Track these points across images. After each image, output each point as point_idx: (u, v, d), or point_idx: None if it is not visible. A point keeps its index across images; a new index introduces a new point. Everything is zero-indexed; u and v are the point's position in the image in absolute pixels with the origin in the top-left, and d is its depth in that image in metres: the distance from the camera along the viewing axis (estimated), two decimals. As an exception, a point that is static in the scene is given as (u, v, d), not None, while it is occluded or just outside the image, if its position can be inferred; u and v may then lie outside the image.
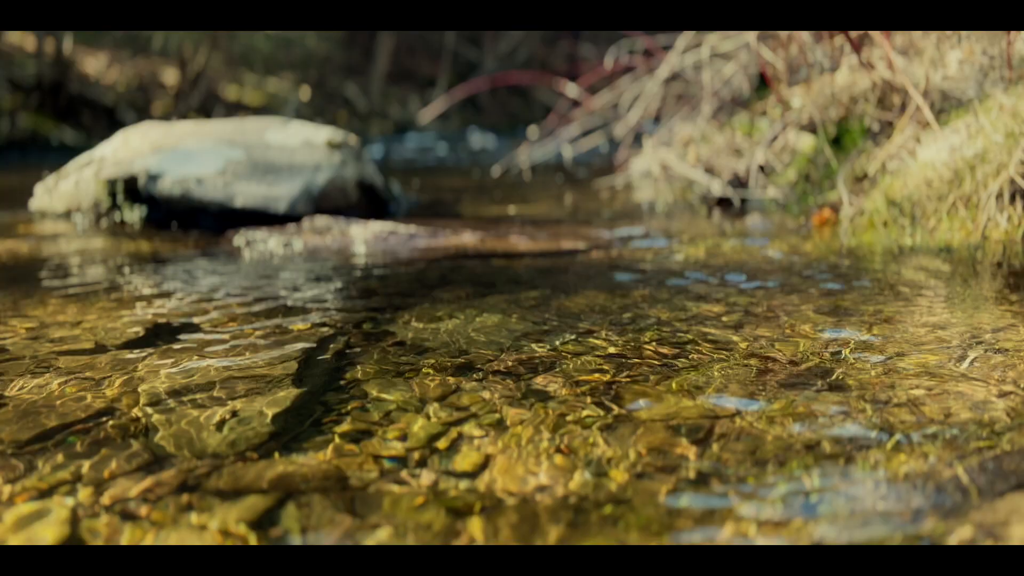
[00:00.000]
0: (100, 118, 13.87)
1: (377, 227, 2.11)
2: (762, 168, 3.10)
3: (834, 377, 1.07)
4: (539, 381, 1.08)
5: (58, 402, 1.01)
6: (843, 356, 1.16)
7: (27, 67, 13.11)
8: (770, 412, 0.95)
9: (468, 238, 2.13)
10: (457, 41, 22.92)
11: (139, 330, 1.33)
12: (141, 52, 15.43)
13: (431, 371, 1.12)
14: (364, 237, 2.08)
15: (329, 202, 2.47)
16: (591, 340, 1.26)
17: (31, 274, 1.76)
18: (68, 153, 12.22)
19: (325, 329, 1.34)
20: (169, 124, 2.71)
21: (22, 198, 3.26)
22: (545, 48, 26.45)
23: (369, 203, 2.71)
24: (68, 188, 2.56)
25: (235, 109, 15.96)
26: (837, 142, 2.90)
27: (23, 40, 14.18)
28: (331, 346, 1.25)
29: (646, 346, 1.22)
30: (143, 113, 14.57)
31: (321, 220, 2.20)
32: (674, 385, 1.06)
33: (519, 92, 24.00)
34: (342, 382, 1.09)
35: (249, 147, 2.46)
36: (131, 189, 2.41)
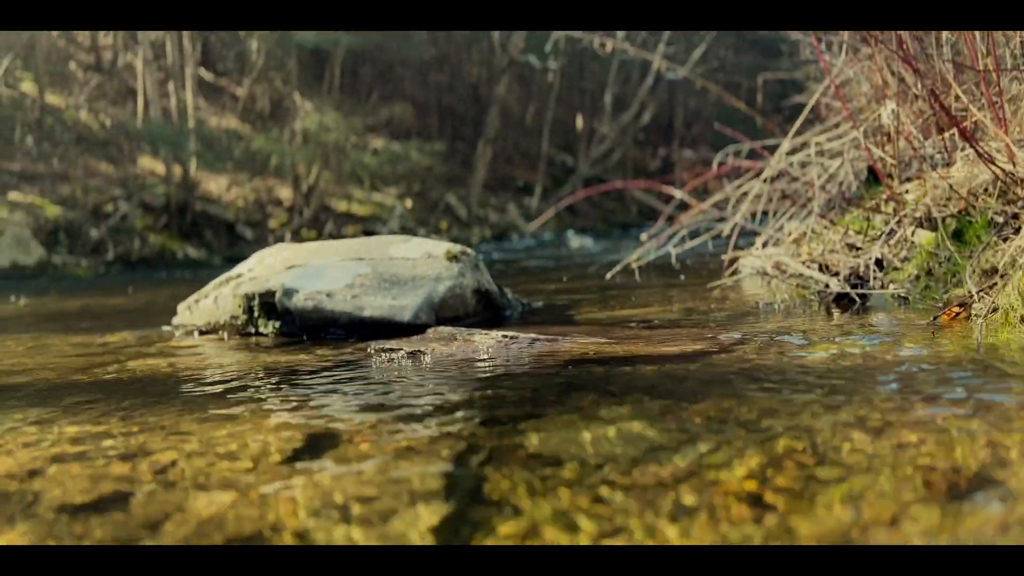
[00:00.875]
0: (221, 235, 14.82)
1: (499, 335, 2.17)
2: (879, 264, 3.04)
3: (1006, 487, 1.03)
4: (686, 493, 1.07)
5: (230, 514, 1.07)
6: (1010, 462, 1.11)
7: (157, 190, 14.23)
8: (929, 525, 0.92)
9: (587, 343, 2.16)
10: (551, 148, 23.60)
11: (287, 443, 1.40)
12: (258, 173, 16.55)
13: (572, 483, 1.14)
14: (487, 345, 2.14)
15: (449, 310, 2.56)
16: (730, 449, 1.25)
17: (182, 387, 1.88)
18: (192, 268, 13.00)
19: (461, 439, 1.38)
20: (299, 244, 2.90)
21: (162, 314, 3.51)
22: (639, 150, 26.84)
23: (486, 310, 2.78)
24: (208, 305, 2.75)
25: (344, 220, 16.80)
26: (958, 236, 2.82)
27: (153, 165, 15.46)
28: (470, 457, 1.29)
29: (788, 456, 1.20)
30: (260, 228, 15.50)
31: (445, 330, 2.28)
32: (826, 498, 1.03)
33: (614, 193, 24.30)
34: (486, 495, 1.12)
35: (374, 262, 2.60)
36: (266, 304, 2.56)
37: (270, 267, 2.68)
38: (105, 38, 17.63)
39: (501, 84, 20.43)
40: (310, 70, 19.23)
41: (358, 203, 17.75)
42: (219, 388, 1.86)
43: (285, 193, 16.44)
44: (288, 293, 2.49)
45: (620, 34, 20.24)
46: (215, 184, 15.89)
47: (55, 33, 17.16)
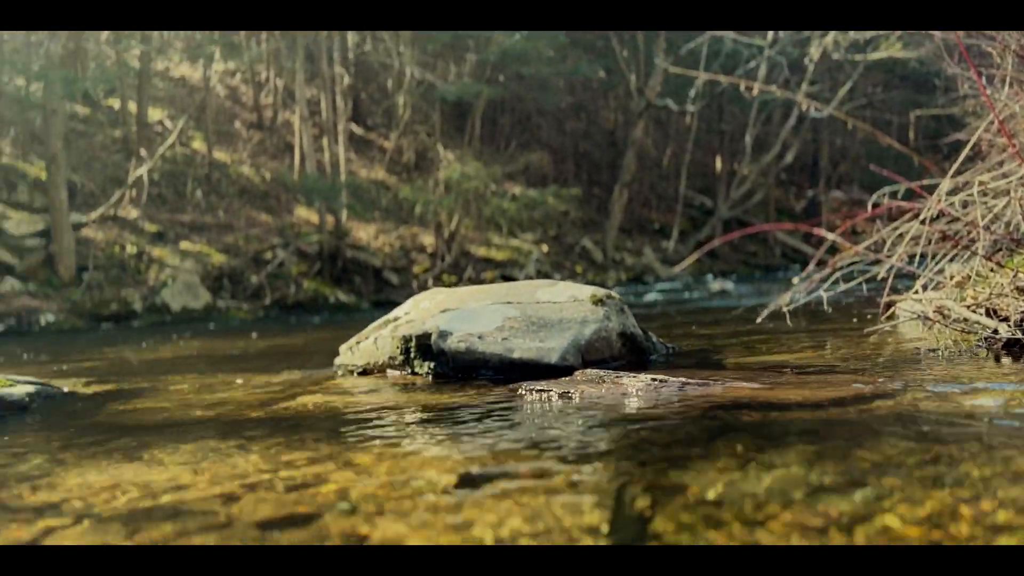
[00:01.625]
0: (369, 280, 15.52)
1: (647, 377, 2.19)
2: (1056, 307, 2.84)
3: None
4: (859, 536, 1.06)
5: (410, 539, 1.15)
6: None
7: (311, 238, 15.11)
8: None
9: (739, 387, 2.14)
10: (689, 190, 23.34)
11: (452, 476, 1.47)
12: (404, 221, 17.29)
13: (736, 524, 1.14)
14: (636, 387, 2.16)
15: (595, 353, 2.60)
16: (900, 494, 1.21)
17: (351, 423, 2.01)
18: (342, 311, 13.59)
19: (620, 480, 1.40)
20: (452, 289, 3.04)
21: (320, 354, 3.74)
22: (781, 191, 26.07)
23: (631, 353, 2.80)
24: (368, 346, 2.92)
25: (483, 265, 17.22)
26: None
27: (308, 215, 16.45)
28: (631, 498, 1.31)
29: (961, 505, 1.16)
30: (405, 273, 16.13)
31: (593, 372, 2.32)
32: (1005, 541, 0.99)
33: (755, 235, 23.66)
34: (651, 534, 1.14)
35: (523, 305, 2.68)
36: (422, 345, 2.70)
37: (425, 310, 2.82)
38: (266, 98, 19.04)
39: (638, 128, 20.48)
40: (452, 122, 20.01)
41: (496, 248, 18.16)
42: (384, 424, 1.97)
43: (428, 240, 17.06)
44: (443, 335, 2.61)
45: (761, 74, 19.90)
46: (364, 232, 16.70)
47: (222, 94, 18.71)
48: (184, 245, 13.89)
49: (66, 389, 2.97)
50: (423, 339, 2.69)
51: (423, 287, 15.69)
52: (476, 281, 16.49)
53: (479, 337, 2.55)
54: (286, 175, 16.68)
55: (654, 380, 2.17)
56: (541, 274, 17.85)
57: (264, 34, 16.89)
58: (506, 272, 17.36)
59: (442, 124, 18.41)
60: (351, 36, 18.44)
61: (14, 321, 10.49)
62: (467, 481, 1.45)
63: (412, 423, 1.97)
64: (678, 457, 1.53)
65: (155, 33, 15.85)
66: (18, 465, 1.73)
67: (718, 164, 24.17)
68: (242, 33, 17.14)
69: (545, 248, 19.20)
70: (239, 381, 3.11)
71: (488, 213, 17.41)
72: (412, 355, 2.75)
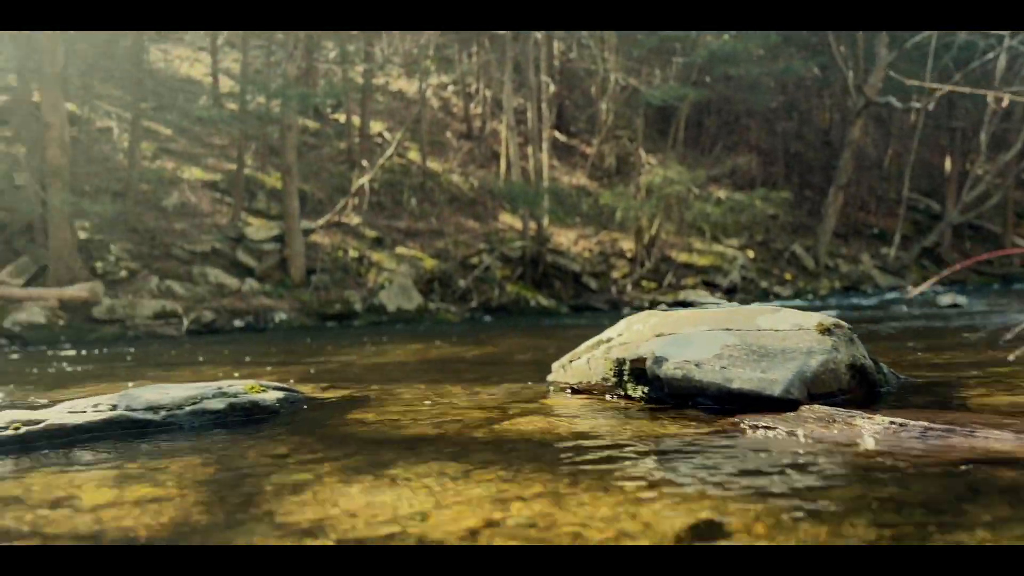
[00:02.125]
0: (568, 284, 15.72)
1: (885, 420, 2.04)
2: None
3: None
4: None
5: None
6: None
7: (515, 244, 15.53)
8: None
9: (992, 438, 1.94)
10: (913, 192, 21.56)
11: (682, 521, 1.45)
12: (604, 227, 17.33)
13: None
14: (871, 431, 2.02)
15: (821, 386, 2.47)
16: None
17: (569, 452, 2.04)
18: (542, 315, 13.83)
19: (865, 539, 1.32)
20: (666, 312, 3.01)
21: (527, 366, 3.82)
22: (1021, 191, 23.43)
23: (859, 385, 2.63)
24: (580, 365, 2.95)
25: (684, 271, 16.89)
26: None
27: (512, 221, 16.92)
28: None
29: None
30: (603, 279, 16.17)
31: (822, 409, 2.20)
32: None
33: (990, 242, 21.44)
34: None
35: (742, 332, 2.60)
36: (636, 369, 2.69)
37: (639, 333, 2.81)
38: (475, 108, 19.81)
39: (856, 127, 19.22)
40: (655, 126, 19.79)
41: (699, 254, 17.74)
42: (607, 457, 1.98)
43: (628, 245, 16.99)
44: (658, 361, 2.58)
45: (1000, 67, 18.01)
46: (564, 237, 16.93)
47: (435, 106, 19.67)
48: (400, 250, 14.76)
49: (307, 394, 3.25)
50: (637, 363, 2.68)
51: (622, 292, 15.65)
52: (677, 287, 16.20)
53: (696, 365, 2.50)
54: (492, 183, 17.26)
55: (892, 423, 2.03)
56: (747, 281, 17.23)
57: (475, 46, 17.57)
58: (708, 279, 16.93)
59: (645, 128, 18.26)
60: (557, 44, 18.75)
61: (252, 318, 11.63)
62: (702, 526, 1.43)
63: (635, 457, 1.97)
64: (923, 523, 1.41)
65: (376, 49, 16.97)
66: (282, 474, 1.91)
67: (947, 164, 22.13)
68: (456, 46, 17.95)
69: (751, 253, 18.51)
70: (457, 392, 3.25)
71: (690, 218, 17.06)
72: (625, 378, 2.75)
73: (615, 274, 16.36)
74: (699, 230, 17.82)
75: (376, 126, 17.56)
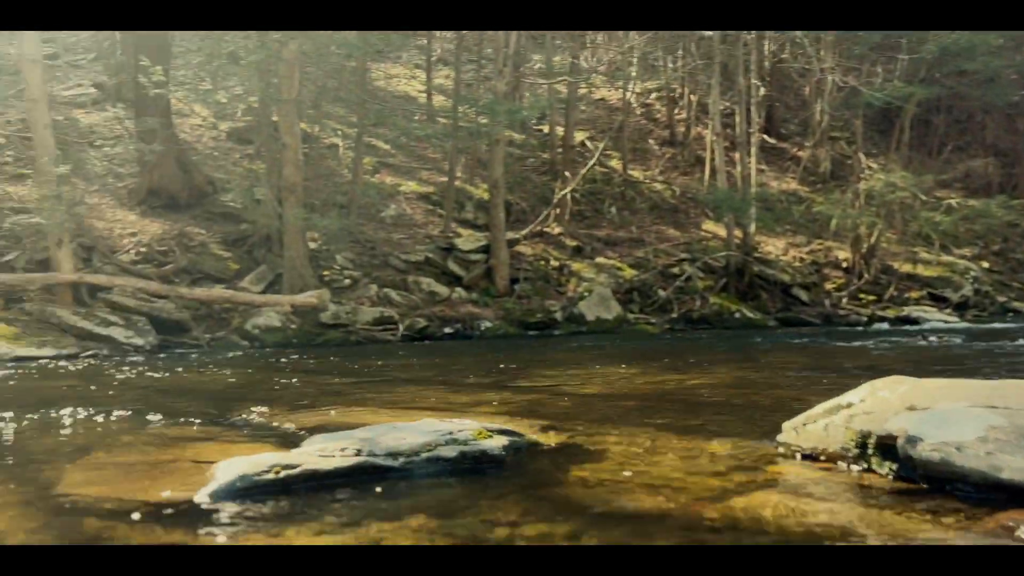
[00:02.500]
0: (776, 296, 15.03)
1: None
2: None
3: None
4: None
5: None
6: None
7: (718, 252, 15.07)
8: None
9: None
10: None
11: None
12: (816, 235, 16.40)
13: None
14: None
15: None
16: None
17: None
18: (746, 327, 13.31)
19: None
20: (917, 380, 2.77)
21: (744, 409, 3.64)
22: None
23: None
24: (816, 430, 2.78)
25: (908, 283, 15.61)
26: None
27: (716, 229, 16.43)
28: None
29: None
30: (815, 290, 15.29)
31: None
32: None
33: None
34: None
35: (1011, 412, 2.33)
36: (882, 445, 2.49)
37: (885, 402, 2.60)
38: (679, 113, 19.43)
39: (1119, 123, 16.88)
40: (875, 126, 18.46)
41: (924, 265, 16.34)
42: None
43: (843, 254, 15.98)
44: (912, 441, 2.38)
45: None
46: (772, 246, 16.21)
47: (638, 112, 19.51)
48: (599, 260, 14.79)
49: (526, 436, 3.31)
50: (886, 439, 2.49)
51: (836, 305, 14.71)
52: (898, 301, 15.01)
53: (956, 448, 2.27)
54: (696, 189, 16.87)
55: None
56: (979, 294, 15.67)
57: (681, 50, 17.24)
58: (935, 291, 15.55)
59: (864, 130, 17.07)
60: (767, 44, 17.98)
61: (460, 326, 12.10)
62: None
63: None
64: None
65: (581, 60, 17.10)
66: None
67: None
68: (660, 51, 17.70)
69: (986, 264, 16.80)
70: (675, 445, 3.18)
71: (916, 226, 15.75)
72: (870, 452, 2.56)
73: (828, 286, 15.43)
74: (925, 239, 16.42)
75: (579, 135, 17.68)
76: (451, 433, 2.94)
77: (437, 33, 17.61)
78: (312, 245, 12.14)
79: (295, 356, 8.58)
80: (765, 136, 18.87)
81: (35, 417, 4.15)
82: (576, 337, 11.92)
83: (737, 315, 14.04)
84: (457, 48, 15.27)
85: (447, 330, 11.85)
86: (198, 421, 4.00)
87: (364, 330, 11.23)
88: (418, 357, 8.56)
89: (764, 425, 3.35)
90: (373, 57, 14.25)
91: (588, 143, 17.88)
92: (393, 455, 2.72)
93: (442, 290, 12.71)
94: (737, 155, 15.57)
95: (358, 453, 2.71)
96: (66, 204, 9.70)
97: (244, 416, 4.20)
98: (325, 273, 12.19)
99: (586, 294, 13.29)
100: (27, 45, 9.80)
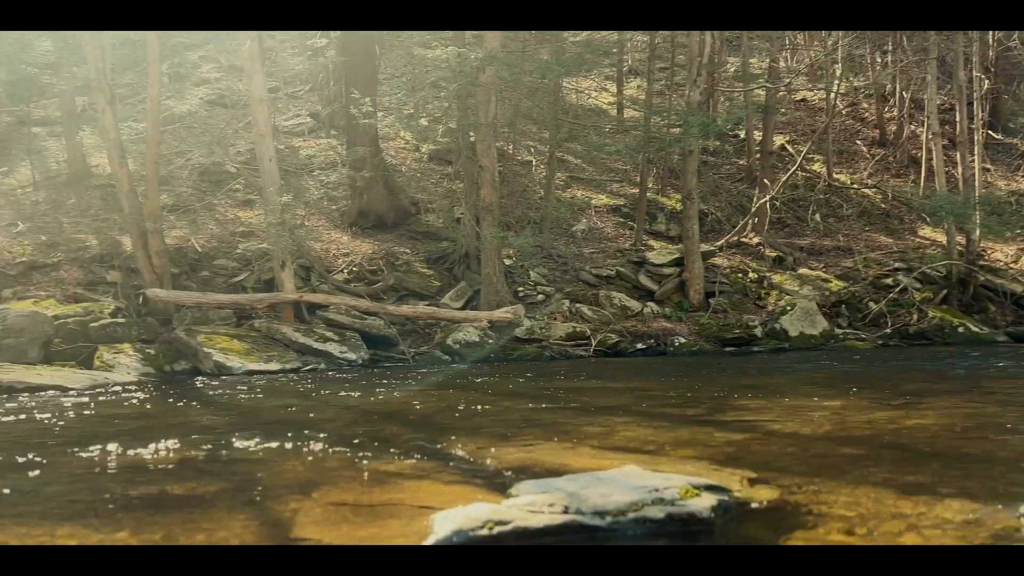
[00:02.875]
0: (1006, 308, 13.60)
1: None
2: None
3: None
4: None
5: None
6: None
7: (937, 261, 13.86)
8: None
9: None
10: None
11: None
12: (1056, 240, 14.67)
13: None
14: None
15: None
16: None
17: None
18: (972, 344, 12.15)
19: None
20: None
21: (979, 464, 3.28)
22: None
23: None
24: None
25: None
26: None
27: (934, 235, 15.12)
28: None
29: None
30: (1053, 302, 13.66)
31: None
32: None
33: None
34: None
35: None
36: None
37: None
38: (889, 112, 18.10)
39: None
40: None
41: None
42: None
43: (1088, 262, 14.18)
44: None
45: None
46: (1001, 253, 14.70)
47: (844, 112, 18.37)
48: (802, 270, 14.08)
49: (734, 491, 3.19)
50: None
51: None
52: None
53: None
54: (911, 193, 15.63)
55: None
56: None
57: (890, 46, 16.05)
58: None
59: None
60: (992, 33, 16.33)
61: (652, 341, 11.95)
62: None
63: None
64: None
65: (780, 63, 16.36)
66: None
67: None
68: (867, 47, 16.59)
69: None
70: (904, 509, 2.94)
71: None
72: None
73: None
74: None
75: (778, 139, 16.92)
76: (657, 490, 2.90)
77: (628, 43, 17.52)
78: (507, 261, 12.47)
79: (494, 375, 8.84)
80: (990, 132, 17.14)
81: (267, 444, 4.54)
82: (778, 355, 11.41)
83: (960, 329, 12.86)
84: (649, 59, 15.12)
85: (639, 346, 11.75)
86: (411, 454, 4.21)
87: (557, 345, 11.37)
88: (612, 378, 8.55)
89: (1007, 484, 3.03)
90: (566, 75, 14.42)
91: (788, 147, 17.06)
92: (600, 514, 2.72)
93: (634, 305, 12.62)
94: (957, 154, 14.25)
95: (565, 510, 2.74)
96: (288, 229, 10.59)
97: (451, 449, 4.38)
98: (519, 289, 12.48)
99: (788, 308, 12.67)
100: (255, 85, 10.81)
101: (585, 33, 12.79)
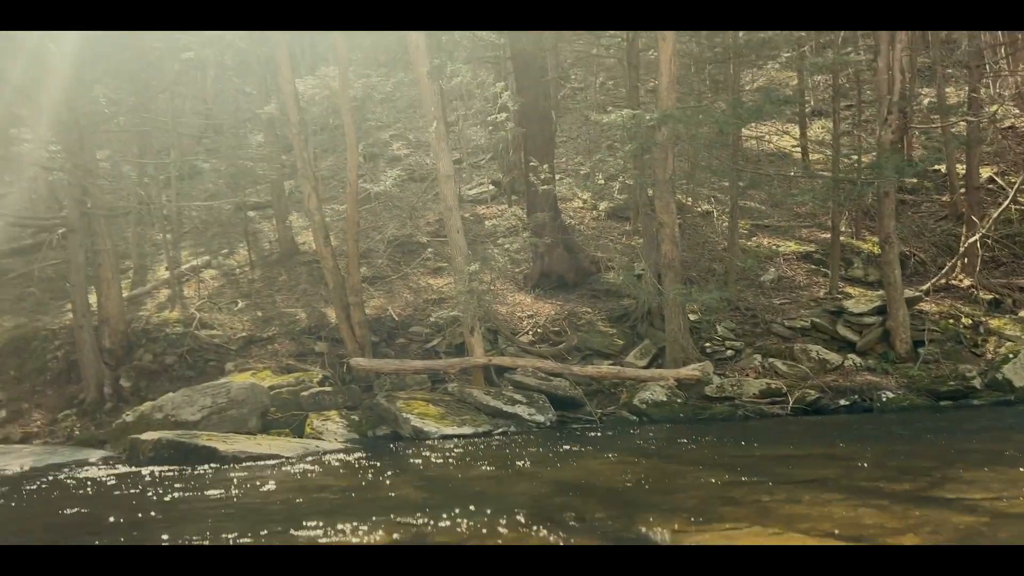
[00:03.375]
0: None
1: None
2: None
3: None
4: None
5: None
6: None
7: None
8: None
9: None
10: None
11: None
12: None
13: None
14: None
15: None
16: None
17: None
18: None
19: None
20: None
21: None
22: None
23: None
24: None
25: None
26: None
27: None
28: None
29: None
30: None
31: None
32: None
33: None
34: None
35: None
36: None
37: None
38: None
39: None
40: None
41: None
42: None
43: None
44: None
45: None
46: None
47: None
48: (1023, 313, 12.75)
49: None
50: None
51: None
52: None
53: None
54: None
55: None
56: None
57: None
58: None
59: None
60: None
61: (856, 397, 11.18)
62: None
63: None
64: None
65: (982, 92, 15.12)
66: None
67: None
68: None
69: None
70: None
71: None
72: None
73: None
74: None
75: (984, 171, 15.54)
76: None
77: (810, 85, 16.89)
78: (692, 316, 12.21)
79: (684, 438, 8.62)
80: None
81: (468, 521, 4.64)
82: (1002, 409, 10.34)
83: None
84: (833, 98, 14.48)
85: (842, 402, 11.03)
86: (607, 536, 4.17)
87: (750, 403, 10.93)
88: (814, 442, 8.09)
89: None
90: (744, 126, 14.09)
91: (997, 179, 15.62)
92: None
93: (833, 357, 11.89)
94: None
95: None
96: (476, 296, 10.99)
97: (646, 529, 4.29)
98: (706, 344, 12.15)
99: (1011, 356, 11.48)
100: (442, 163, 11.42)
101: (762, 79, 12.50)
